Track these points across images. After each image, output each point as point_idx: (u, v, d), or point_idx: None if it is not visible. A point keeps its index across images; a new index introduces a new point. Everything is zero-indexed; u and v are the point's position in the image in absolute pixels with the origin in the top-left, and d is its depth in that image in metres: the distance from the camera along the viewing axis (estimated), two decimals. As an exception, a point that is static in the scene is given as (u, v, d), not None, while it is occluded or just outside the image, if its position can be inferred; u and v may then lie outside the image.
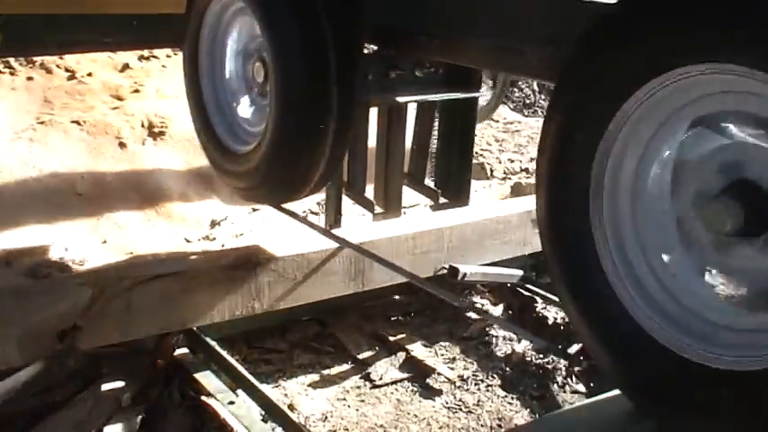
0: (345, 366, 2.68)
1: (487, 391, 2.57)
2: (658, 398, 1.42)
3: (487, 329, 2.92)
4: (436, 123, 2.80)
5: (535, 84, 5.98)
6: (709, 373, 1.30)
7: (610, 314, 1.45)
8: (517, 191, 4.03)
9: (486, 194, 4.11)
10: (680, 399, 1.37)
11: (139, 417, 2.26)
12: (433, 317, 3.00)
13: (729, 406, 1.29)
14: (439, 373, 2.63)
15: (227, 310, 2.46)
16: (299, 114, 2.06)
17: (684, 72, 1.28)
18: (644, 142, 1.43)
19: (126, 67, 4.52)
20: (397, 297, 3.03)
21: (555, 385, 2.61)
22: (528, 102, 6.09)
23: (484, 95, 2.72)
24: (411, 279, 2.44)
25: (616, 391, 1.62)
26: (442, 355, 2.77)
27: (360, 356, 2.71)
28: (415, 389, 2.58)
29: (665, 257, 1.45)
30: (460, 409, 2.47)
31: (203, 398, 2.32)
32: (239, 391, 2.34)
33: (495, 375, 2.65)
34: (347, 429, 2.36)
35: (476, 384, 2.60)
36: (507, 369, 2.67)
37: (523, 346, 2.82)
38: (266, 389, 2.39)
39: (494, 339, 2.87)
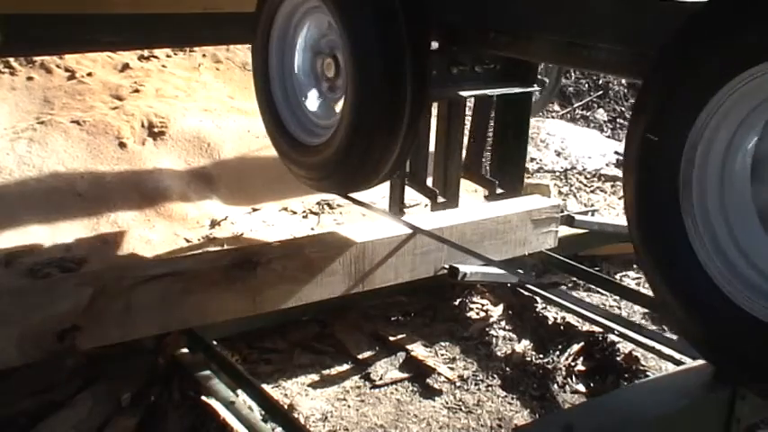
0: (345, 366, 2.68)
1: (487, 391, 2.57)
2: (746, 368, 1.57)
3: (487, 329, 2.92)
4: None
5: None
6: None
7: (702, 294, 1.58)
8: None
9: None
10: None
11: (139, 417, 2.26)
12: (433, 317, 3.00)
13: None
14: (439, 373, 2.63)
15: (227, 310, 2.46)
16: (374, 110, 2.17)
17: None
18: (729, 135, 1.55)
19: (126, 67, 4.52)
20: (397, 297, 3.03)
21: (555, 385, 2.61)
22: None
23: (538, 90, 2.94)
24: (488, 263, 2.66)
25: (696, 363, 1.90)
26: (442, 355, 2.77)
27: (360, 356, 2.71)
28: (415, 389, 2.58)
29: (752, 240, 1.58)
30: (460, 409, 2.47)
31: (203, 398, 2.32)
32: (239, 391, 2.34)
33: (495, 375, 2.65)
34: (347, 429, 2.36)
35: (476, 384, 2.60)
36: (507, 369, 2.67)
37: (523, 346, 2.82)
38: (266, 389, 2.39)
39: (494, 339, 2.87)
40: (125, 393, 2.31)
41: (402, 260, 2.72)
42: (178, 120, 4.04)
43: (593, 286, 3.22)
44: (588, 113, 6.05)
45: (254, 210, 3.72)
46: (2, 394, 2.27)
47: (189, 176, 3.81)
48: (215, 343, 2.53)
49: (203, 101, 4.37)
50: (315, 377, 2.61)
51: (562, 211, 3.16)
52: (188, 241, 3.36)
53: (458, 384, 2.59)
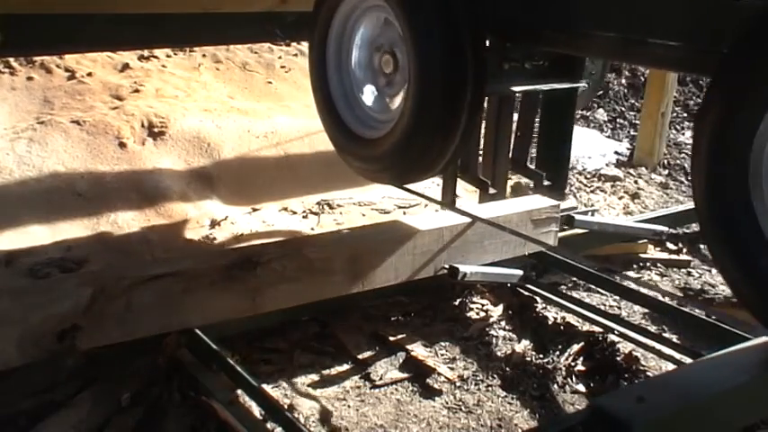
0: (345, 366, 2.68)
1: (487, 391, 2.57)
2: None
3: (487, 329, 2.92)
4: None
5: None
6: None
7: None
8: (517, 191, 4.03)
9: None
10: None
11: (139, 417, 2.26)
12: (433, 317, 3.00)
13: None
14: (439, 373, 2.63)
15: (227, 310, 2.46)
16: (436, 106, 2.23)
17: None
18: None
19: (126, 67, 4.52)
20: (397, 297, 3.03)
21: (555, 385, 2.61)
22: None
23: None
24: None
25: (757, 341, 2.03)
26: (442, 355, 2.77)
27: (360, 356, 2.71)
28: (415, 389, 2.58)
29: None
30: (460, 409, 2.47)
31: (203, 398, 2.32)
32: (239, 391, 2.34)
33: (495, 375, 2.65)
34: (347, 429, 2.36)
35: (476, 384, 2.60)
36: (507, 369, 2.67)
37: (523, 346, 2.82)
38: (266, 389, 2.39)
39: (494, 339, 2.87)
40: (125, 393, 2.31)
41: (402, 260, 2.72)
42: (178, 120, 4.04)
43: (593, 286, 3.23)
44: (588, 113, 6.05)
45: (254, 210, 3.72)
46: (2, 394, 2.27)
47: (189, 176, 3.81)
48: (215, 343, 2.52)
49: (203, 101, 4.37)
50: (315, 377, 2.61)
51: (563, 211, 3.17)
52: (188, 241, 3.36)
53: (458, 384, 2.59)
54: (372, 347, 2.77)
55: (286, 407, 2.38)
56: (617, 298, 3.19)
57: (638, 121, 5.69)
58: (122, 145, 3.84)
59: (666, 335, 2.91)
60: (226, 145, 4.03)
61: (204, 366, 2.44)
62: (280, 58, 5.04)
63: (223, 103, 4.40)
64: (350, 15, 2.52)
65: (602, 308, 3.09)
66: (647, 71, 5.92)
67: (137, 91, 4.28)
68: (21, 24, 2.72)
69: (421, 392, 2.56)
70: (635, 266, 3.56)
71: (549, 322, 2.99)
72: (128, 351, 2.40)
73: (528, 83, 2.68)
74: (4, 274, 2.91)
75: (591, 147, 5.27)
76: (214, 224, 3.52)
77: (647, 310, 3.09)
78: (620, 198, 4.46)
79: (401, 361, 2.70)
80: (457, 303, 3.08)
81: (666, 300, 2.99)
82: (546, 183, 3.08)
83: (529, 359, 2.74)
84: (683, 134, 5.92)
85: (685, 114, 6.27)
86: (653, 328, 2.96)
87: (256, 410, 2.28)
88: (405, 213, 3.78)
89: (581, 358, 2.76)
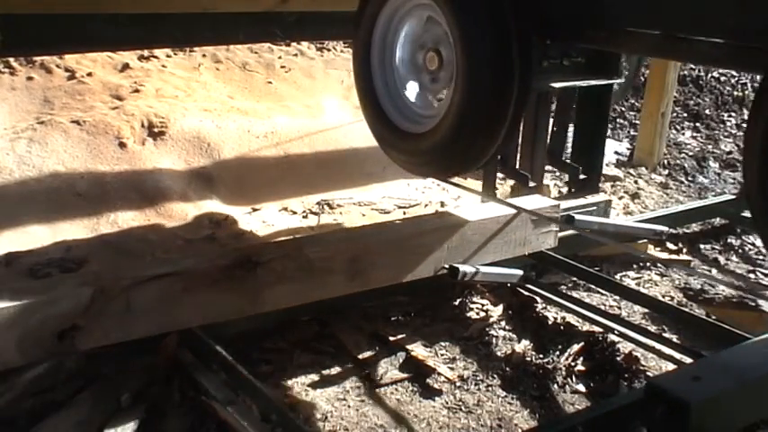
0: (345, 366, 2.68)
1: (487, 391, 2.57)
2: None
3: (487, 329, 2.92)
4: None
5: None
6: None
7: None
8: (517, 191, 4.03)
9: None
10: None
11: (139, 417, 2.26)
12: (433, 317, 3.00)
13: None
14: (439, 373, 2.63)
15: (227, 310, 2.46)
16: (484, 102, 2.29)
17: None
18: None
19: (126, 67, 4.52)
20: (397, 297, 3.03)
21: (555, 385, 2.61)
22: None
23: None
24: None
25: None
26: (442, 355, 2.77)
27: (360, 356, 2.71)
28: (415, 389, 2.58)
29: None
30: (460, 409, 2.47)
31: (203, 398, 2.32)
32: (239, 391, 2.34)
33: (495, 375, 2.65)
34: (347, 429, 2.36)
35: (476, 384, 2.60)
36: (507, 369, 2.67)
37: (523, 346, 2.82)
38: (266, 389, 2.39)
39: (494, 339, 2.87)
40: (125, 393, 2.31)
41: (402, 260, 2.72)
42: (178, 120, 4.04)
43: (593, 286, 3.23)
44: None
45: (254, 210, 3.72)
46: (2, 394, 2.27)
47: (189, 176, 3.82)
48: (215, 343, 2.52)
49: (203, 101, 4.38)
50: (315, 377, 2.61)
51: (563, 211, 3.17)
52: (188, 241, 3.36)
53: (458, 384, 2.59)
54: (372, 347, 2.77)
55: (286, 407, 2.37)
56: (617, 298, 3.19)
57: (637, 121, 5.69)
58: (122, 145, 3.85)
59: (666, 335, 2.91)
60: (226, 145, 4.03)
61: (204, 366, 2.44)
62: (280, 58, 5.04)
63: (223, 103, 4.40)
64: (396, 13, 2.57)
65: (602, 308, 3.09)
66: (647, 71, 5.92)
67: (137, 91, 4.28)
68: (21, 24, 2.73)
69: (421, 392, 2.56)
70: (635, 266, 3.56)
71: (549, 322, 2.99)
72: (128, 351, 2.41)
73: (566, 79, 2.76)
74: (4, 274, 2.91)
75: (591, 147, 5.27)
76: (214, 224, 3.53)
77: (647, 310, 3.09)
78: (620, 198, 4.46)
79: (401, 361, 2.70)
80: (457, 303, 3.09)
81: (666, 300, 2.99)
82: (582, 176, 3.16)
83: (529, 359, 2.74)
84: (683, 134, 5.93)
85: (685, 114, 6.27)
86: (653, 328, 2.96)
87: (256, 410, 2.28)
88: (405, 213, 3.79)
89: (581, 358, 2.76)
